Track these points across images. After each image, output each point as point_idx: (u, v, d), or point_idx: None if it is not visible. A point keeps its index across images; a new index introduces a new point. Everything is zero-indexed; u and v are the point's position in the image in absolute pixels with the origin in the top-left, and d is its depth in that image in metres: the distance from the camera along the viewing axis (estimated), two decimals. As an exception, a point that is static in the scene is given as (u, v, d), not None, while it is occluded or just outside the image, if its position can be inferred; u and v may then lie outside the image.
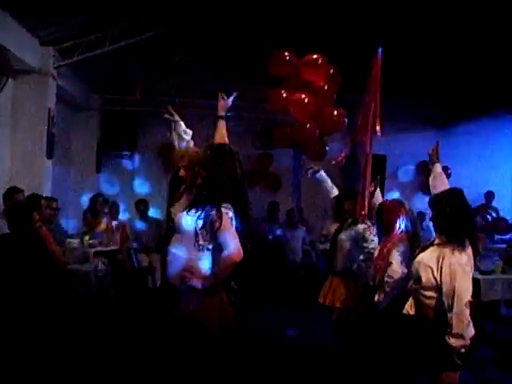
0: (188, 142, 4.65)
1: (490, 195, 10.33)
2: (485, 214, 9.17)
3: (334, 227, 5.21)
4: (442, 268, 3.03)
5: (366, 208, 4.67)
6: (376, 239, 4.83)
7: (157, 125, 9.53)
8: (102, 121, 9.49)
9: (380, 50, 4.50)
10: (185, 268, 3.06)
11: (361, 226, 4.87)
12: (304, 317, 6.70)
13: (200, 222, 3.06)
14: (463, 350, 2.97)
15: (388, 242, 4.09)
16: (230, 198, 3.22)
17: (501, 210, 9.86)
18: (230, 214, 3.15)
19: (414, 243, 4.02)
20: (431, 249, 3.19)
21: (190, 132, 4.71)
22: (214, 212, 3.06)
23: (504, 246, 7.21)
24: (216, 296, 3.12)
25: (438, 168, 3.79)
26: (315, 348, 5.53)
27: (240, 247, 3.04)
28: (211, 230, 3.05)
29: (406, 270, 3.86)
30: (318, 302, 5.05)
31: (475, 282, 5.80)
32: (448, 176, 10.27)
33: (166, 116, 4.83)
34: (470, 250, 3.13)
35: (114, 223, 7.77)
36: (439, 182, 3.67)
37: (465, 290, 3.02)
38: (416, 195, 10.25)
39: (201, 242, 3.07)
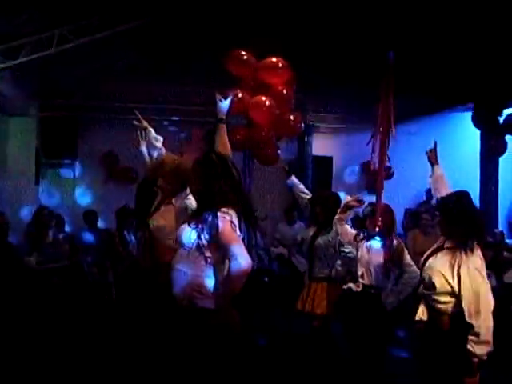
0: (160, 149, 4.41)
1: (430, 193, 10.60)
2: (431, 210, 9.38)
3: (310, 231, 5.10)
4: (460, 275, 2.99)
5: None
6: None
7: (99, 131, 9.26)
8: (41, 128, 8.96)
9: (391, 55, 4.28)
10: (193, 288, 2.81)
11: (338, 230, 4.80)
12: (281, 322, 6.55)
13: (200, 232, 2.82)
14: (486, 357, 2.94)
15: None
16: (233, 203, 3.00)
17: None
18: (235, 221, 2.91)
19: None
20: (442, 253, 3.14)
21: (160, 139, 4.48)
22: (211, 219, 2.80)
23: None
24: (228, 315, 2.90)
25: (438, 170, 3.76)
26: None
27: (248, 257, 2.84)
28: (213, 240, 2.80)
29: None
30: (295, 308, 4.96)
31: None
32: (391, 175, 10.75)
33: (135, 123, 4.58)
34: (479, 252, 3.10)
35: (61, 236, 7.32)
36: (441, 185, 3.64)
37: (488, 296, 2.99)
38: (362, 195, 10.44)
39: (205, 254, 2.83)
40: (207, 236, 2.78)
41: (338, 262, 4.79)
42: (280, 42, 6.26)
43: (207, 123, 9.08)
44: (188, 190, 3.93)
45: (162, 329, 3.25)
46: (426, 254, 3.27)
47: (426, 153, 3.93)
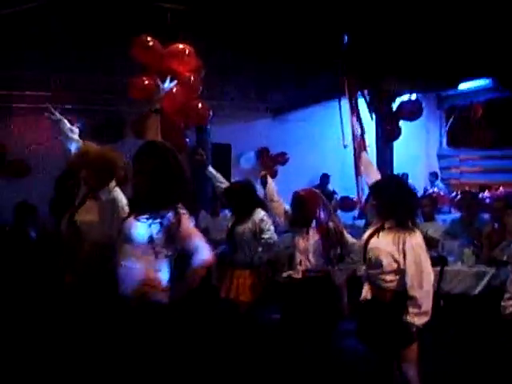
0: (77, 141, 4.17)
1: (325, 178, 11.06)
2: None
3: (230, 220, 5.12)
4: (404, 251, 3.14)
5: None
6: (272, 228, 4.90)
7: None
8: None
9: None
10: (144, 282, 2.72)
11: (256, 218, 4.86)
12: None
13: (155, 228, 2.74)
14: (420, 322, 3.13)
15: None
16: (181, 197, 2.94)
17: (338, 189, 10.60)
18: (187, 214, 2.86)
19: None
20: (383, 233, 3.27)
21: (76, 130, 4.23)
22: (171, 215, 2.76)
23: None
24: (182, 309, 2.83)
25: (365, 156, 3.91)
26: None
27: (210, 249, 2.80)
28: (170, 235, 2.75)
29: None
30: (220, 296, 4.96)
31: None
32: (286, 161, 11.02)
33: (46, 114, 4.29)
34: (418, 230, 3.28)
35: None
36: (371, 170, 3.79)
37: (430, 270, 3.17)
38: (258, 181, 10.64)
39: (158, 249, 2.75)
40: (164, 232, 2.72)
41: (260, 248, 4.85)
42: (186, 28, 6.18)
43: (99, 112, 8.92)
44: (114, 183, 3.80)
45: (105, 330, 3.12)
46: (366, 235, 3.40)
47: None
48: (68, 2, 5.99)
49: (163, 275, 2.77)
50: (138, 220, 2.79)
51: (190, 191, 2.99)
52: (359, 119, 5.29)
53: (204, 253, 2.74)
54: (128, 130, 8.57)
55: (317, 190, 4.68)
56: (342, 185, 10.43)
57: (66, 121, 4.21)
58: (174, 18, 6.75)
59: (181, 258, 2.84)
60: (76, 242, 3.73)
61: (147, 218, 2.76)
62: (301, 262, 4.41)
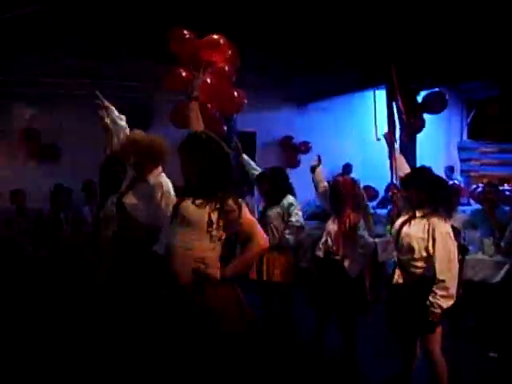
0: (126, 128, 4.45)
1: (347, 167, 11.26)
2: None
3: (261, 205, 5.41)
4: (434, 238, 3.37)
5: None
6: (300, 213, 5.17)
7: (16, 108, 8.88)
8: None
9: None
10: (198, 261, 2.95)
11: (286, 202, 5.13)
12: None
13: (215, 213, 2.97)
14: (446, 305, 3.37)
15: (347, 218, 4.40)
16: (230, 183, 3.17)
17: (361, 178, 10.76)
18: (243, 202, 3.11)
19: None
20: (415, 221, 3.51)
21: (123, 117, 4.51)
22: (231, 202, 2.99)
23: (385, 210, 7.95)
24: (234, 288, 3.08)
25: (397, 150, 4.11)
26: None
27: (265, 235, 3.05)
28: (229, 221, 2.99)
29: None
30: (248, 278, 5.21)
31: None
32: (308, 149, 11.21)
33: (97, 102, 4.55)
34: (447, 219, 3.51)
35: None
36: (401, 163, 4.00)
37: (456, 257, 3.41)
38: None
39: (214, 233, 2.99)
40: (223, 218, 2.95)
41: (287, 231, 5.11)
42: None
43: (127, 98, 9.15)
44: (160, 168, 4.06)
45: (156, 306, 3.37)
46: (398, 224, 3.64)
47: (384, 135, 4.28)
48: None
49: (216, 255, 3.01)
50: (195, 204, 2.99)
51: (236, 177, 3.21)
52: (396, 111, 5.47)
53: (261, 239, 2.99)
54: (156, 118, 8.89)
55: (356, 180, 4.90)
56: (364, 174, 10.63)
57: (113, 108, 4.48)
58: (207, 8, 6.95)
59: (232, 240, 3.08)
60: (124, 223, 4.00)
61: (205, 204, 2.97)
62: (326, 241, 4.65)
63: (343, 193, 4.60)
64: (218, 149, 3.17)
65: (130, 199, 4.00)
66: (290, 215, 5.12)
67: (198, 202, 3.00)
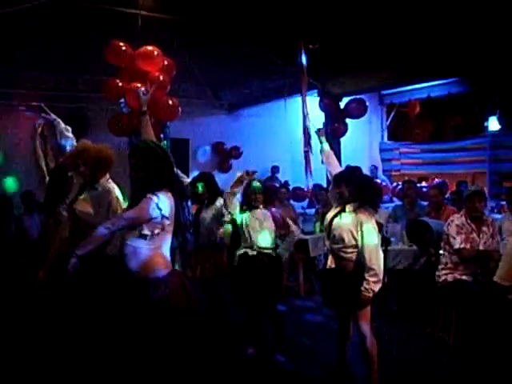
0: (72, 139, 4.67)
1: (274, 169, 11.82)
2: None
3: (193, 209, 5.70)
4: (362, 231, 3.84)
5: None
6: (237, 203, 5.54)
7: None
8: None
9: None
10: (147, 257, 3.27)
11: (218, 204, 5.47)
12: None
13: (157, 212, 3.26)
14: (377, 289, 3.85)
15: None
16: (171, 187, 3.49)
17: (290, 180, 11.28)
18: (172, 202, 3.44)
19: None
20: (345, 215, 3.95)
21: (70, 129, 4.73)
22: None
23: (313, 210, 8.45)
24: (176, 275, 3.43)
25: (327, 147, 4.53)
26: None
27: None
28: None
29: None
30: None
31: (304, 241, 7.02)
32: (239, 154, 11.61)
33: (43, 115, 4.75)
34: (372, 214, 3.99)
35: None
36: (332, 160, 4.43)
37: (379, 246, 3.92)
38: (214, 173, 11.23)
39: (156, 232, 3.29)
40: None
41: (221, 230, 5.44)
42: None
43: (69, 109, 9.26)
44: (108, 175, 4.32)
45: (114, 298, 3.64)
46: (329, 216, 4.08)
47: (316, 132, 4.69)
48: (48, 6, 6.35)
49: (157, 250, 3.33)
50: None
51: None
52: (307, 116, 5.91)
53: None
54: (92, 126, 9.03)
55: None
56: (293, 176, 11.17)
57: (60, 120, 4.69)
58: (139, 22, 7.22)
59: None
60: (75, 229, 4.23)
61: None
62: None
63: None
64: (164, 156, 3.48)
65: (81, 205, 4.21)
66: (223, 216, 5.47)
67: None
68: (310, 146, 4.80)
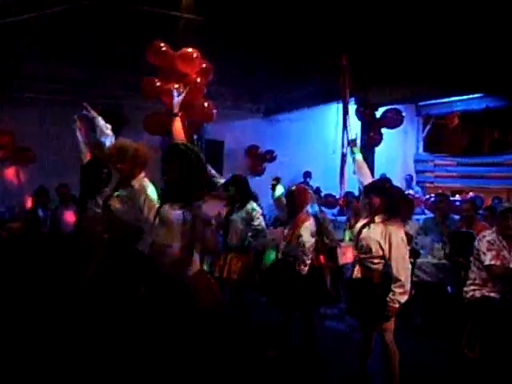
0: (112, 136, 4.79)
1: (307, 175, 11.84)
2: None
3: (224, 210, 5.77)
4: (390, 242, 3.85)
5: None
6: (262, 217, 5.61)
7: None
8: None
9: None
10: (177, 256, 3.35)
11: (249, 207, 5.54)
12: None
13: (188, 215, 3.35)
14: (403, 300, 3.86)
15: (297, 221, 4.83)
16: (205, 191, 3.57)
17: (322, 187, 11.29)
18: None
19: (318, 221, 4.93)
20: (374, 225, 3.97)
21: (109, 126, 4.86)
22: (201, 204, 3.39)
23: (344, 218, 8.44)
24: (204, 275, 3.51)
25: (359, 157, 4.55)
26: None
27: None
28: (199, 221, 3.38)
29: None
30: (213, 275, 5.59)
31: (332, 249, 7.01)
32: (274, 158, 11.67)
33: (84, 113, 4.90)
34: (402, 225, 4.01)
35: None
36: (364, 171, 4.45)
37: (407, 258, 3.93)
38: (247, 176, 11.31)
39: (188, 232, 3.37)
40: (195, 219, 3.36)
41: (249, 233, 5.52)
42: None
43: (106, 105, 9.46)
44: (144, 173, 4.42)
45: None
46: (358, 226, 4.10)
47: (349, 142, 4.72)
48: (91, 7, 6.53)
49: (190, 251, 3.41)
50: (173, 208, 3.40)
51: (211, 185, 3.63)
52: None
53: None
54: (130, 122, 9.21)
55: (307, 187, 5.35)
56: (325, 183, 11.16)
57: (100, 118, 4.83)
58: (181, 24, 7.36)
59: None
60: (110, 224, 4.35)
61: (181, 207, 3.38)
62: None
63: (296, 201, 5.01)
64: (197, 159, 3.56)
65: (116, 202, 4.33)
66: (252, 219, 5.54)
67: (176, 206, 3.40)
68: (348, 150, 4.82)
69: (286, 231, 5.14)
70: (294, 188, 5.12)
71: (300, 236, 4.85)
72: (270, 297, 5.23)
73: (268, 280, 5.27)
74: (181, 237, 3.37)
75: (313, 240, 4.88)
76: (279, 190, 5.42)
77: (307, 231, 4.86)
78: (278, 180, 5.44)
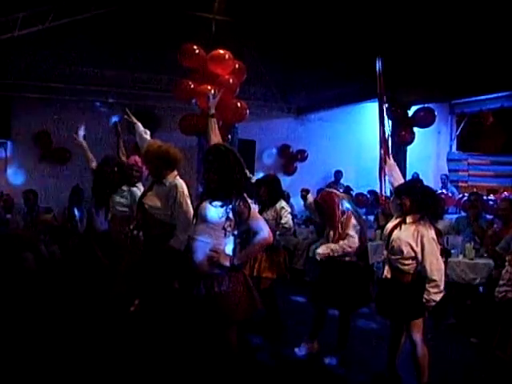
0: (149, 141, 4.96)
1: (338, 174, 11.80)
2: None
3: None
4: (423, 243, 3.87)
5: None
6: (290, 216, 5.66)
7: (33, 111, 9.34)
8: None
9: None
10: (212, 251, 3.43)
11: (278, 206, 5.61)
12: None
13: (229, 212, 3.43)
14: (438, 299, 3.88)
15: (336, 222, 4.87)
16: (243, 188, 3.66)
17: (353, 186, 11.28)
18: (253, 204, 3.61)
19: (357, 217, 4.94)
20: (405, 226, 3.99)
21: (148, 131, 5.04)
22: (241, 203, 3.47)
23: (372, 217, 8.45)
24: (241, 273, 3.57)
25: (391, 159, 4.58)
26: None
27: (270, 230, 3.56)
28: (240, 219, 3.46)
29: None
30: None
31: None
32: (305, 158, 11.68)
33: (126, 117, 5.09)
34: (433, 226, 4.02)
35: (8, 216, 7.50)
36: (396, 172, 4.46)
37: (439, 256, 3.94)
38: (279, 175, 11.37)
39: (228, 229, 3.46)
40: (235, 216, 3.44)
41: (278, 232, 5.56)
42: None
43: (139, 106, 9.66)
44: (176, 172, 4.55)
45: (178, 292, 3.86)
46: (389, 227, 4.12)
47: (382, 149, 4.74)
48: (127, 10, 6.70)
49: (228, 247, 3.50)
50: (213, 205, 3.49)
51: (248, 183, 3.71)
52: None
53: (266, 233, 3.51)
54: (163, 123, 9.38)
55: (331, 190, 5.38)
56: (357, 182, 11.17)
57: (139, 124, 5.01)
58: (212, 26, 7.48)
59: (243, 236, 3.59)
60: (144, 221, 4.50)
61: (221, 205, 3.47)
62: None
63: (325, 209, 5.00)
64: (235, 159, 3.65)
65: (150, 200, 4.49)
66: (281, 218, 5.61)
67: (215, 203, 3.50)
68: (388, 149, 4.82)
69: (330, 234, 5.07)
70: (317, 198, 5.17)
71: (347, 234, 4.85)
72: (317, 295, 5.18)
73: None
74: (220, 233, 3.47)
75: (357, 237, 4.90)
76: (310, 198, 5.47)
77: (353, 228, 4.87)
78: (307, 191, 5.46)
